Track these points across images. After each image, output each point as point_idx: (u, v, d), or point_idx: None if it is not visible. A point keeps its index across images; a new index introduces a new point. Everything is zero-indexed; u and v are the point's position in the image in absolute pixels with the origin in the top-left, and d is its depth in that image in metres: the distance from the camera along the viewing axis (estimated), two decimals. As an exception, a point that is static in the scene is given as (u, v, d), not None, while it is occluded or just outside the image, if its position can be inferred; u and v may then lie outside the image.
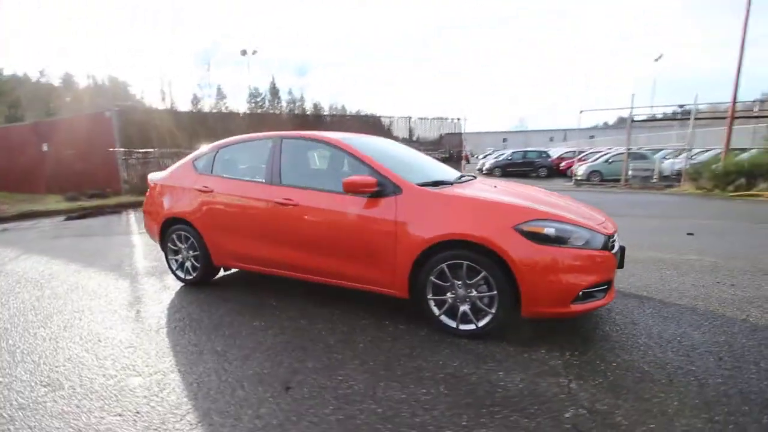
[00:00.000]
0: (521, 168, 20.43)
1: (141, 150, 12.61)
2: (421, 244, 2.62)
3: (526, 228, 2.43)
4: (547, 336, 2.61)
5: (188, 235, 3.69)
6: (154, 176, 4.19)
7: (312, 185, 3.16)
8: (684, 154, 16.57)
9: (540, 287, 2.39)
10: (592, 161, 17.44)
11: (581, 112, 15.52)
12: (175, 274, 3.89)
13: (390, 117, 14.66)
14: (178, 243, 3.80)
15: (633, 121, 14.02)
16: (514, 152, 21.43)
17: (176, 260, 3.87)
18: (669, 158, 16.61)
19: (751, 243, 5.19)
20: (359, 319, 2.96)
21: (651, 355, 2.37)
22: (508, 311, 2.49)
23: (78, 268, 4.58)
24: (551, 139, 56.77)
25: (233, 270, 4.00)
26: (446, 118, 16.18)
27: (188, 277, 3.80)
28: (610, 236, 2.59)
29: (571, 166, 20.24)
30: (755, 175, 10.04)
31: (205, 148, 3.90)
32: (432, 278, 2.64)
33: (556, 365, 2.27)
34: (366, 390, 2.08)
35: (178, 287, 3.79)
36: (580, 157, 20.36)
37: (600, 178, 16.35)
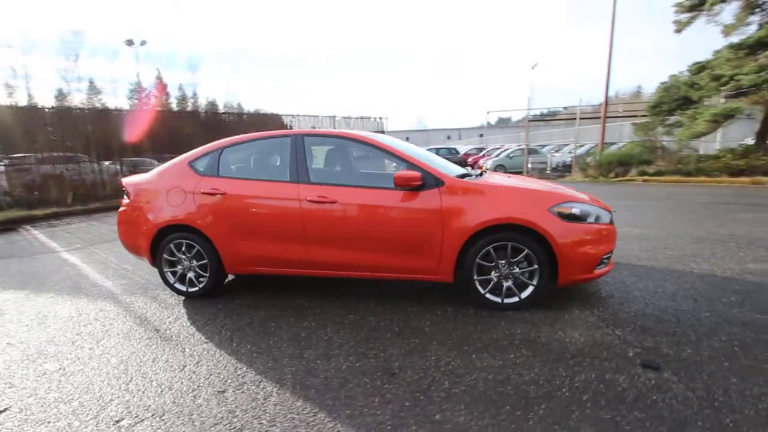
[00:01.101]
0: (436, 164, 21.89)
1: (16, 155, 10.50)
2: (468, 230, 2.89)
3: (558, 209, 2.87)
4: (568, 301, 3.11)
5: (192, 243, 3.40)
6: (132, 181, 3.72)
7: (348, 182, 3.20)
8: (566, 149, 19.57)
9: (573, 258, 2.85)
10: (495, 156, 19.54)
11: (488, 112, 17.49)
12: (174, 288, 3.54)
13: (293, 116, 14.25)
14: (177, 253, 3.46)
15: (530, 120, 16.13)
16: (426, 149, 22.84)
17: (174, 272, 3.52)
18: (557, 152, 19.52)
19: (655, 215, 6.58)
20: (405, 308, 3.12)
21: (651, 303, 3.01)
22: (547, 282, 2.91)
23: (28, 293, 3.82)
24: (448, 137, 61.59)
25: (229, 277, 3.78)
26: (369, 117, 16.63)
27: (192, 290, 3.49)
28: (611, 213, 3.18)
29: (477, 162, 22.45)
30: (628, 163, 12.49)
31: (201, 148, 3.60)
32: (478, 260, 2.94)
33: (594, 320, 2.76)
34: (465, 364, 2.29)
35: (179, 302, 3.46)
36: (483, 153, 22.67)
37: (504, 171, 18.51)
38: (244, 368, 2.35)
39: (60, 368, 2.43)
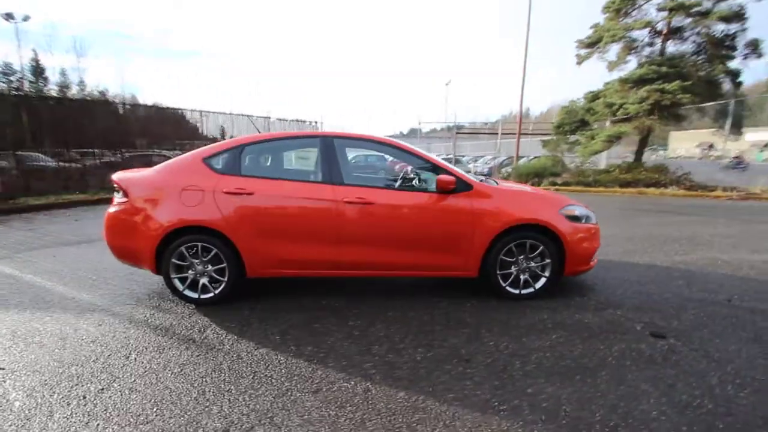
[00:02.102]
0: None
1: None
2: (496, 229, 3.25)
3: (565, 211, 3.38)
4: (567, 290, 3.63)
5: (209, 245, 3.18)
6: (128, 177, 3.33)
7: (379, 184, 3.32)
8: (481, 160, 21.50)
9: (577, 253, 3.37)
10: (425, 164, 20.66)
11: (420, 123, 18.22)
12: (183, 296, 3.26)
13: (204, 112, 13.31)
14: (188, 257, 3.21)
15: (458, 132, 17.52)
16: (355, 156, 23.27)
17: (183, 279, 3.25)
18: (475, 162, 21.38)
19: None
20: (435, 303, 3.34)
21: (628, 289, 3.67)
22: (556, 274, 3.39)
23: (-25, 313, 3.14)
24: None
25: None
26: (305, 121, 16.34)
27: (205, 296, 3.26)
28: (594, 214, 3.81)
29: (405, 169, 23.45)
30: (542, 174, 14.31)
31: (216, 145, 3.39)
32: (500, 256, 3.31)
33: (596, 304, 3.30)
34: (521, 346, 2.61)
35: (190, 311, 3.20)
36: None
37: (432, 178, 19.72)
38: (322, 367, 2.35)
39: (122, 390, 2.15)
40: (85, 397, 2.06)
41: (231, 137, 14.04)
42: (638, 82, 12.73)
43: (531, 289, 3.39)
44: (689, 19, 13.67)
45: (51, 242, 5.62)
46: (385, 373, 2.29)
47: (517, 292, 3.38)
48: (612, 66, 15.71)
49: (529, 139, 21.55)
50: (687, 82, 11.86)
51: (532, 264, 3.37)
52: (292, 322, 2.97)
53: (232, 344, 2.64)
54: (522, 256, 3.34)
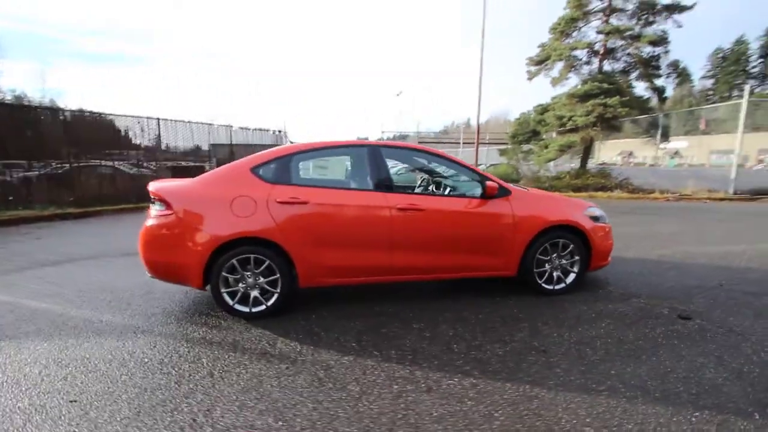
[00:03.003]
0: (326, 179, 22.25)
1: None
2: (534, 230, 3.52)
3: (587, 213, 3.75)
4: (591, 285, 3.99)
5: (262, 257, 3.11)
6: (169, 188, 3.16)
7: (429, 191, 3.45)
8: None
9: (600, 250, 3.75)
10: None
11: (382, 132, 18.55)
12: (233, 310, 3.14)
13: (142, 118, 12.31)
14: (240, 270, 3.10)
15: (419, 142, 18.08)
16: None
17: (233, 293, 3.14)
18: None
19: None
20: (481, 303, 3.52)
21: (636, 280, 4.12)
22: (583, 270, 3.73)
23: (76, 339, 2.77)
24: None
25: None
26: (268, 130, 15.92)
27: (257, 309, 3.16)
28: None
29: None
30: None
31: (262, 154, 3.32)
32: (538, 255, 3.58)
33: (620, 295, 3.67)
34: (583, 335, 2.87)
35: (244, 326, 3.08)
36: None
37: (393, 186, 20.12)
38: (417, 368, 2.42)
39: (231, 408, 2.05)
40: (195, 420, 1.96)
41: (174, 146, 13.28)
42: (584, 97, 14.08)
43: (563, 285, 3.69)
44: (622, 42, 15.44)
45: (26, 263, 5.02)
46: (480, 369, 2.41)
47: (551, 288, 3.67)
48: (555, 81, 17.19)
49: (487, 148, 22.80)
50: (624, 98, 13.35)
51: (563, 261, 3.68)
52: (359, 329, 2.99)
53: (313, 354, 2.61)
54: (554, 255, 3.64)
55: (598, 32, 15.11)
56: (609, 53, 15.97)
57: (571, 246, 3.65)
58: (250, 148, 14.70)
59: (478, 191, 3.52)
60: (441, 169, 4.00)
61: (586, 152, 16.01)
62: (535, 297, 3.62)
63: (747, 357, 2.53)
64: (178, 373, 2.39)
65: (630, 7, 15.59)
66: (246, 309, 3.16)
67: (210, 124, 13.66)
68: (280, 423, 1.93)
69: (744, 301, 3.49)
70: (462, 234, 3.45)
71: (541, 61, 15.99)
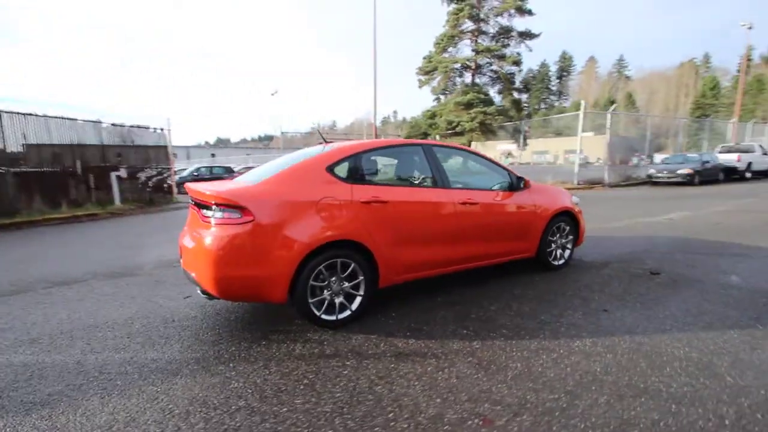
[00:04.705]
0: (210, 183, 20.06)
1: None
2: (548, 217, 4.20)
3: (573, 200, 4.62)
4: (576, 258, 4.89)
5: (347, 260, 2.99)
6: (239, 191, 2.75)
7: (474, 186, 3.77)
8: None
9: (582, 229, 4.66)
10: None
11: (282, 132, 17.74)
12: (320, 321, 2.94)
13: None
14: (326, 276, 2.93)
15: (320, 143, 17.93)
16: (200, 167, 20.52)
17: (320, 302, 2.93)
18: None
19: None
20: (505, 285, 4.02)
21: (612, 249, 5.22)
22: (573, 247, 4.59)
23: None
24: (175, 155, 55.67)
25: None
26: (148, 128, 13.44)
27: (342, 316, 3.02)
28: (572, 202, 5.22)
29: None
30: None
31: (331, 152, 3.14)
32: (548, 237, 4.28)
33: (603, 261, 4.63)
34: (605, 298, 3.61)
35: (324, 336, 2.92)
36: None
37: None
38: (528, 341, 2.74)
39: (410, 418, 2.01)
40: (413, 417, 1.92)
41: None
42: (467, 105, 16.17)
43: (563, 261, 4.48)
44: (488, 60, 18.23)
45: None
46: (573, 332, 2.87)
47: (557, 263, 4.41)
48: (435, 90, 19.27)
49: None
50: (500, 107, 15.88)
51: (563, 241, 4.47)
52: (446, 318, 3.14)
53: (442, 346, 2.69)
54: (557, 236, 4.40)
55: (473, 50, 17.56)
56: (478, 68, 18.69)
57: (568, 228, 4.46)
58: (130, 150, 12.49)
59: (506, 184, 4.00)
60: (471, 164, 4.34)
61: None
62: (540, 275, 4.27)
63: (718, 294, 3.60)
64: (315, 400, 2.20)
65: (491, 31, 18.56)
66: (332, 317, 2.98)
67: (74, 120, 11.03)
68: (499, 407, 2.04)
69: (696, 259, 4.78)
70: (505, 222, 3.90)
71: (429, 72, 17.69)
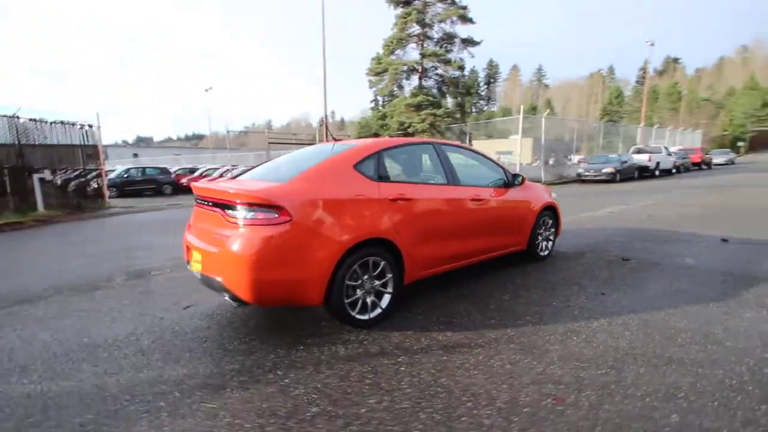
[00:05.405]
0: (144, 186, 18.32)
1: None
2: (537, 211, 4.53)
3: (553, 195, 5.02)
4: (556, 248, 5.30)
5: (378, 259, 2.99)
6: (274, 190, 2.63)
7: (478, 183, 3.95)
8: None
9: (560, 222, 5.09)
10: (230, 177, 18.96)
11: (228, 131, 16.71)
12: (354, 320, 2.91)
13: None
14: (359, 276, 2.90)
15: (270, 143, 17.23)
16: (130, 169, 18.58)
17: (354, 302, 2.90)
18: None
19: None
20: (501, 277, 4.28)
21: (583, 239, 5.71)
22: (554, 239, 4.99)
23: None
24: (135, 155, 50.97)
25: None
26: (74, 124, 11.85)
27: (375, 314, 3.02)
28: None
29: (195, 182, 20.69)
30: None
31: (356, 150, 3.11)
32: (537, 230, 4.62)
33: (582, 251, 5.09)
34: (598, 282, 4.01)
35: (360, 336, 2.90)
36: (202, 173, 21.19)
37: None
38: (552, 324, 2.98)
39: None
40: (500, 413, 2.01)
41: None
42: (417, 107, 16.63)
43: (547, 252, 4.86)
44: (434, 64, 18.90)
45: None
46: (587, 316, 3.17)
47: (543, 254, 4.77)
48: (381, 92, 19.58)
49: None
50: (448, 109, 16.55)
51: (547, 233, 4.84)
52: (469, 311, 3.26)
53: (464, 341, 2.76)
54: (542, 229, 4.76)
55: (420, 54, 18.09)
56: (425, 72, 19.30)
57: (551, 221, 4.84)
58: (54, 150, 11.09)
59: (503, 181, 4.24)
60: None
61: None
62: (532, 266, 4.60)
63: (680, 273, 4.16)
64: (386, 397, 2.22)
65: (436, 36, 19.28)
66: (365, 317, 2.96)
67: (13, 117, 9.49)
68: (561, 386, 2.20)
69: (635, 246, 5.42)
70: (505, 217, 4.13)
71: (379, 73, 17.88)
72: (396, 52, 19.06)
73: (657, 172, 19.35)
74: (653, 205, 9.77)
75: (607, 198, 11.57)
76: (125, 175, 17.98)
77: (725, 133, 46.17)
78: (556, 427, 1.86)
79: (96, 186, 12.91)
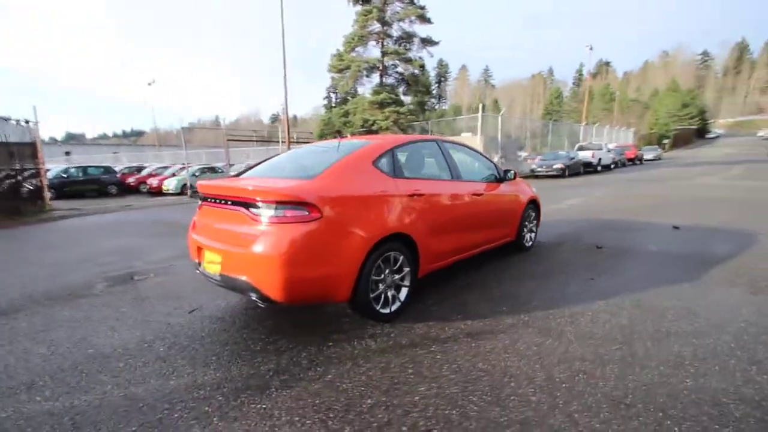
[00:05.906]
0: (86, 186, 16.85)
1: None
2: (525, 204, 4.81)
3: (534, 190, 5.36)
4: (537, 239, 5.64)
5: (398, 254, 3.07)
6: (304, 188, 2.61)
7: (476, 178, 4.12)
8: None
9: (540, 215, 5.44)
10: (180, 176, 17.89)
11: (185, 126, 15.75)
12: (378, 314, 2.97)
13: None
14: (382, 270, 2.97)
15: (229, 140, 16.53)
16: (68, 168, 16.93)
17: (377, 297, 2.96)
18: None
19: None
20: (495, 268, 4.52)
21: (559, 230, 6.10)
22: (536, 230, 5.33)
23: None
24: (67, 153, 45.71)
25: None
26: (8, 119, 10.55)
27: (395, 307, 3.09)
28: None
29: (143, 182, 19.36)
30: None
31: (372, 146, 3.14)
32: (524, 223, 4.91)
33: (563, 241, 5.46)
34: (585, 267, 4.36)
35: (385, 329, 2.98)
36: (151, 172, 19.86)
37: (191, 188, 17.41)
38: (571, 305, 3.24)
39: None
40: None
41: None
42: (381, 104, 16.74)
43: (531, 243, 5.17)
44: (394, 62, 19.09)
45: None
46: (585, 299, 3.46)
47: (528, 245, 5.08)
48: (342, 89, 19.48)
49: (254, 147, 22.70)
50: (411, 107, 16.81)
51: (530, 225, 5.16)
52: (478, 300, 3.44)
53: (486, 328, 2.92)
54: (526, 221, 5.06)
55: (381, 52, 18.18)
56: (386, 70, 19.44)
57: (534, 214, 5.16)
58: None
59: (495, 176, 4.46)
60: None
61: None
62: (518, 257, 4.89)
63: (656, 256, 4.62)
64: (497, 370, 2.32)
65: (395, 34, 19.48)
66: (387, 310, 3.02)
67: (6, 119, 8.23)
68: (587, 362, 2.41)
69: (605, 235, 5.91)
70: (500, 210, 4.36)
71: (342, 70, 17.75)
72: (356, 49, 19.04)
73: (599, 168, 20.99)
74: (606, 196, 10.64)
75: (564, 191, 12.39)
76: (64, 175, 16.42)
77: (652, 131, 50.91)
78: (596, 399, 2.05)
79: (31, 188, 11.70)
